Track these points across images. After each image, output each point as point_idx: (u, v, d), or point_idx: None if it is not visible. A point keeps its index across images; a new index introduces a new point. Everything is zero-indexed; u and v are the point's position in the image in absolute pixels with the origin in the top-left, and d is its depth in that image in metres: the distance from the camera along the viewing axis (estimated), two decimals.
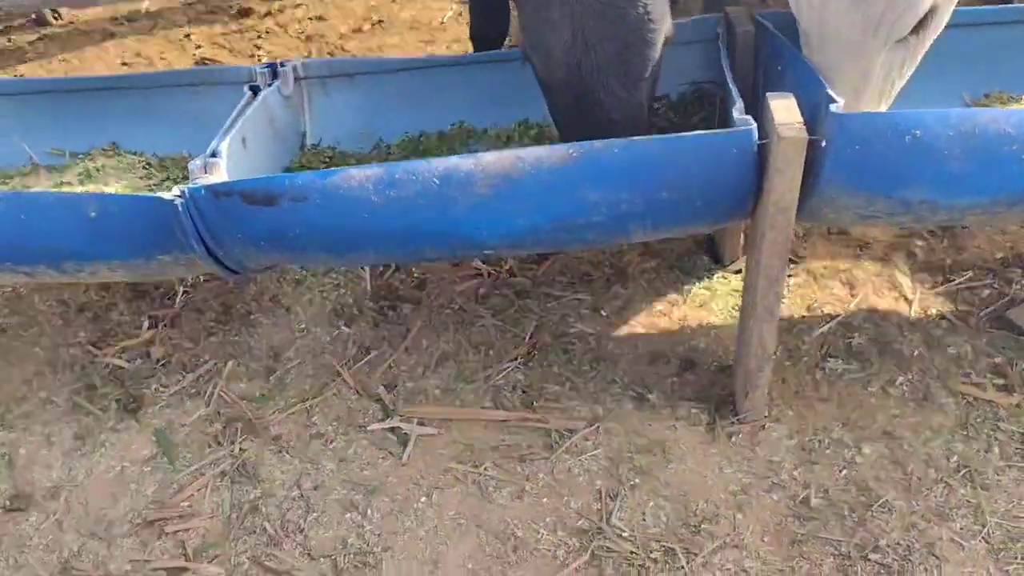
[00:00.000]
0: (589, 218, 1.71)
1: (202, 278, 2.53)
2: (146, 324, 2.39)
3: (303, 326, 2.36)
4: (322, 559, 1.78)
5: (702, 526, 1.76)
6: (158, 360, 2.28)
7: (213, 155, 1.83)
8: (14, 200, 1.77)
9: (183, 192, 1.69)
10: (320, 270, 2.51)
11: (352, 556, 1.78)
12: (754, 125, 1.63)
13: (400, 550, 1.78)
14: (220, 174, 1.80)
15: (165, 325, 2.38)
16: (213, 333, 2.35)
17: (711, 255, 2.46)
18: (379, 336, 2.30)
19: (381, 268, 2.52)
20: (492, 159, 1.65)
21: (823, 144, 1.62)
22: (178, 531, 1.87)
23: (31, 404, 2.20)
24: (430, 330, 2.30)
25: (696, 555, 1.71)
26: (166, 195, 1.69)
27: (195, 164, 1.81)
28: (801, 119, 1.62)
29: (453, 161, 1.67)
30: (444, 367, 2.19)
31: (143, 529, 1.89)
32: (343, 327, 2.34)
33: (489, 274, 2.45)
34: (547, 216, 1.71)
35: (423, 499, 1.88)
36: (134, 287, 2.51)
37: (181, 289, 2.49)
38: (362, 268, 2.51)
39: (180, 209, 1.69)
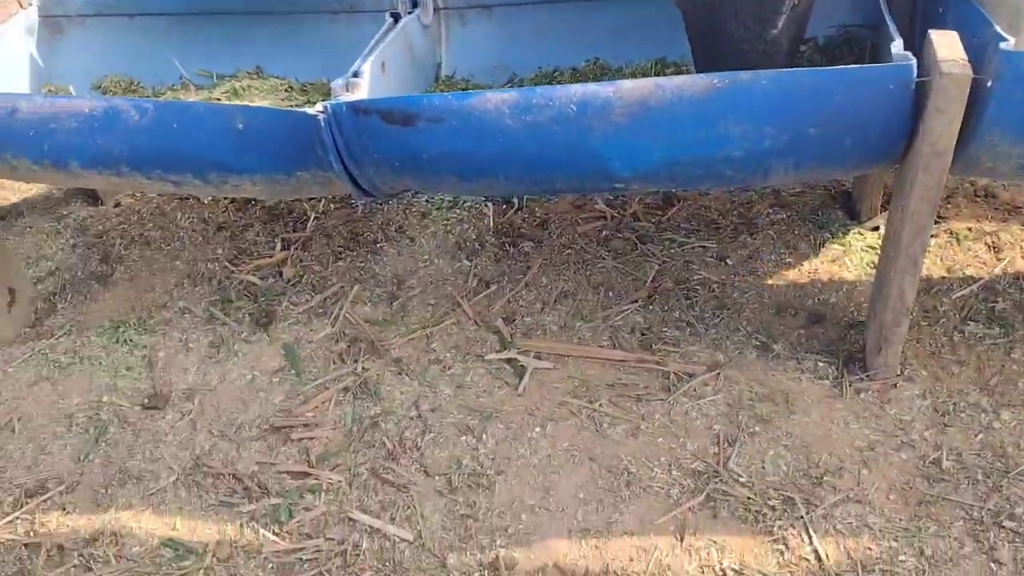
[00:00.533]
0: (728, 153, 1.66)
1: (332, 205, 2.60)
2: (279, 245, 2.48)
3: (426, 257, 2.40)
4: (437, 476, 1.82)
5: (824, 479, 1.71)
6: (289, 280, 2.36)
7: (355, 75, 1.86)
8: (167, 109, 1.85)
9: (326, 108, 1.73)
10: (445, 204, 2.54)
11: (466, 476, 1.81)
12: (914, 61, 1.54)
13: (513, 475, 1.80)
14: (361, 93, 1.83)
15: (296, 247, 2.46)
16: (341, 258, 2.42)
17: (846, 211, 2.36)
18: (500, 271, 2.32)
19: (504, 206, 2.53)
20: (632, 86, 1.62)
21: (989, 84, 1.51)
22: (303, 439, 1.94)
23: (171, 312, 2.32)
24: (550, 268, 2.30)
25: (816, 506, 1.66)
26: (310, 110, 1.74)
27: (338, 83, 1.85)
28: (965, 56, 1.52)
29: (592, 87, 1.64)
30: (563, 305, 2.19)
31: (270, 434, 1.97)
32: (465, 260, 2.37)
33: (612, 217, 2.42)
34: (685, 149, 1.67)
35: (537, 429, 1.89)
36: (269, 210, 2.60)
37: (312, 215, 2.56)
38: (485, 204, 2.53)
39: (322, 124, 1.73)
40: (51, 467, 1.98)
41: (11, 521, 1.87)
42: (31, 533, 1.84)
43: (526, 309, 2.19)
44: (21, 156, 1.93)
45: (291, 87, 2.27)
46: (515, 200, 2.52)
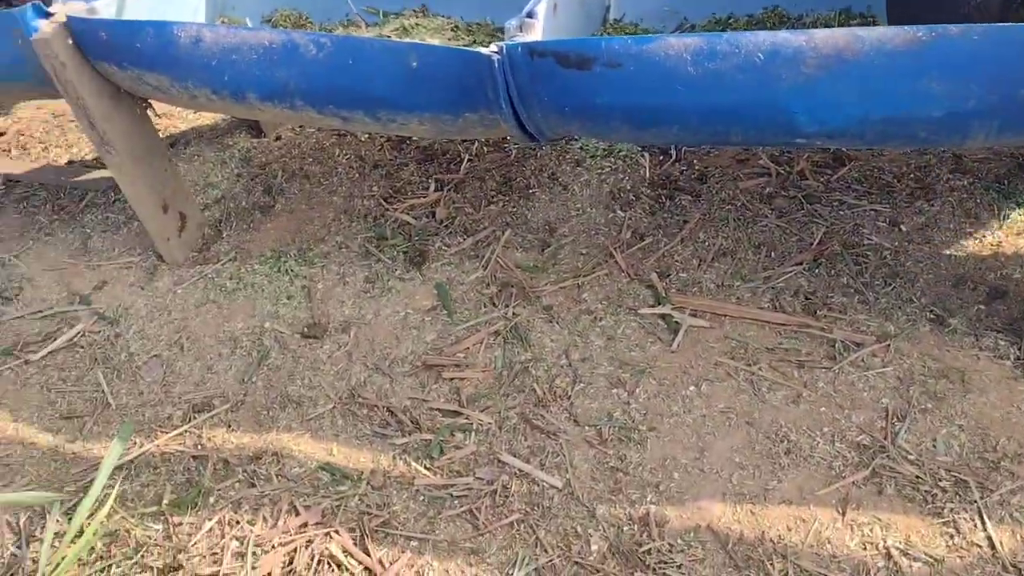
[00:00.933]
0: (927, 113, 1.54)
1: (485, 148, 2.60)
2: (432, 186, 2.50)
3: (579, 205, 2.37)
4: (587, 427, 1.81)
5: (1001, 463, 1.61)
6: (441, 221, 2.38)
7: (529, 15, 1.83)
8: (344, 44, 1.86)
9: (501, 48, 1.70)
10: (599, 152, 2.49)
11: (617, 429, 1.79)
12: None
13: (666, 432, 1.77)
14: (535, 34, 1.80)
15: (449, 189, 2.48)
16: (493, 202, 2.42)
17: None
18: (655, 224, 2.26)
19: (660, 156, 2.46)
20: (826, 36, 1.52)
21: None
22: (454, 378, 1.97)
23: (328, 246, 2.39)
24: (708, 224, 2.23)
25: (992, 492, 1.56)
26: (484, 50, 1.72)
27: (511, 23, 1.82)
28: None
29: (782, 36, 1.55)
30: (721, 262, 2.12)
31: (422, 372, 2.01)
32: (619, 211, 2.32)
33: (777, 174, 2.32)
34: (879, 106, 1.56)
35: (691, 388, 1.85)
36: (423, 150, 2.62)
37: (466, 157, 2.57)
38: (641, 154, 2.47)
39: (496, 65, 1.71)
40: (217, 385, 2.08)
41: (180, 434, 1.98)
42: (199, 446, 1.94)
43: (681, 264, 2.14)
44: (203, 86, 2.00)
45: (456, 26, 2.26)
46: (672, 151, 2.45)
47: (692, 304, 2.02)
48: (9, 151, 3.04)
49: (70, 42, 2.03)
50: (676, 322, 1.99)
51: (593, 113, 1.76)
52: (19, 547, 1.82)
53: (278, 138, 2.82)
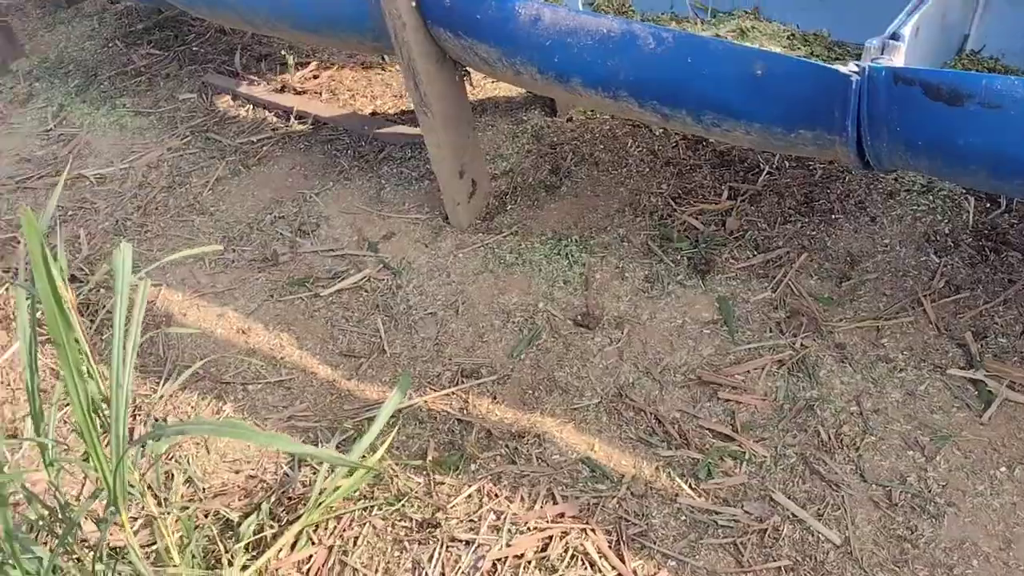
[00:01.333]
0: None
1: (787, 163, 2.47)
2: (726, 193, 2.40)
3: (887, 241, 2.19)
4: (875, 485, 1.68)
5: None
6: (731, 232, 2.29)
7: (894, 37, 1.69)
8: (685, 41, 1.80)
9: (862, 69, 1.58)
10: (916, 187, 2.29)
11: (910, 496, 1.64)
12: None
13: (967, 512, 1.60)
14: (899, 59, 1.66)
15: (743, 199, 2.37)
16: (790, 221, 2.29)
17: None
18: (974, 277, 2.05)
19: (987, 204, 2.23)
20: None
21: None
22: (729, 400, 1.89)
23: (610, 236, 2.36)
24: None
25: None
26: (842, 68, 1.60)
27: (873, 43, 1.69)
28: None
29: None
30: None
31: (695, 386, 1.94)
32: (932, 255, 2.13)
33: None
34: None
35: (1003, 469, 1.66)
36: (720, 155, 2.53)
37: (766, 168, 2.45)
38: (965, 197, 2.25)
39: (853, 86, 1.60)
40: (486, 355, 2.12)
41: (447, 394, 2.04)
42: (464, 411, 1.99)
43: (1002, 328, 1.92)
44: (530, 64, 2.02)
45: (793, 35, 2.13)
46: (1003, 199, 2.21)
47: (1011, 375, 1.82)
48: (320, 94, 3.26)
49: (413, 4, 2.11)
50: (990, 391, 1.79)
51: (951, 152, 1.60)
52: (292, 468, 1.95)
53: (570, 119, 2.83)
